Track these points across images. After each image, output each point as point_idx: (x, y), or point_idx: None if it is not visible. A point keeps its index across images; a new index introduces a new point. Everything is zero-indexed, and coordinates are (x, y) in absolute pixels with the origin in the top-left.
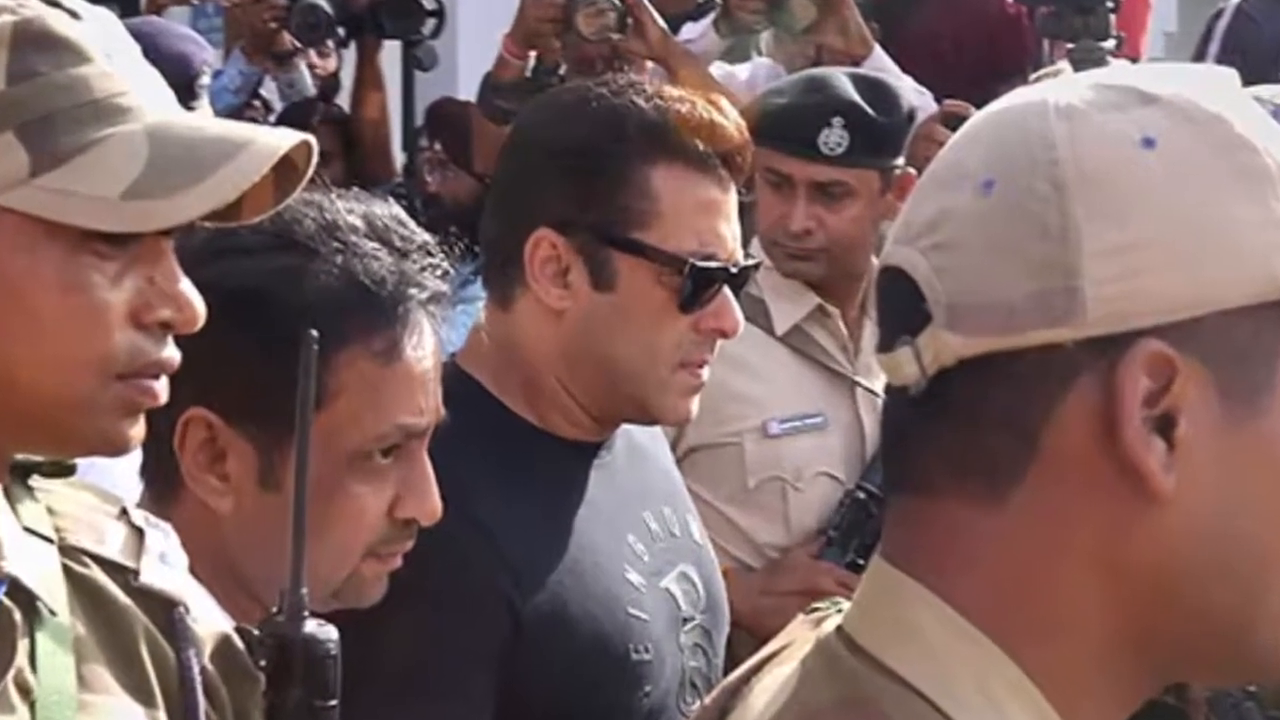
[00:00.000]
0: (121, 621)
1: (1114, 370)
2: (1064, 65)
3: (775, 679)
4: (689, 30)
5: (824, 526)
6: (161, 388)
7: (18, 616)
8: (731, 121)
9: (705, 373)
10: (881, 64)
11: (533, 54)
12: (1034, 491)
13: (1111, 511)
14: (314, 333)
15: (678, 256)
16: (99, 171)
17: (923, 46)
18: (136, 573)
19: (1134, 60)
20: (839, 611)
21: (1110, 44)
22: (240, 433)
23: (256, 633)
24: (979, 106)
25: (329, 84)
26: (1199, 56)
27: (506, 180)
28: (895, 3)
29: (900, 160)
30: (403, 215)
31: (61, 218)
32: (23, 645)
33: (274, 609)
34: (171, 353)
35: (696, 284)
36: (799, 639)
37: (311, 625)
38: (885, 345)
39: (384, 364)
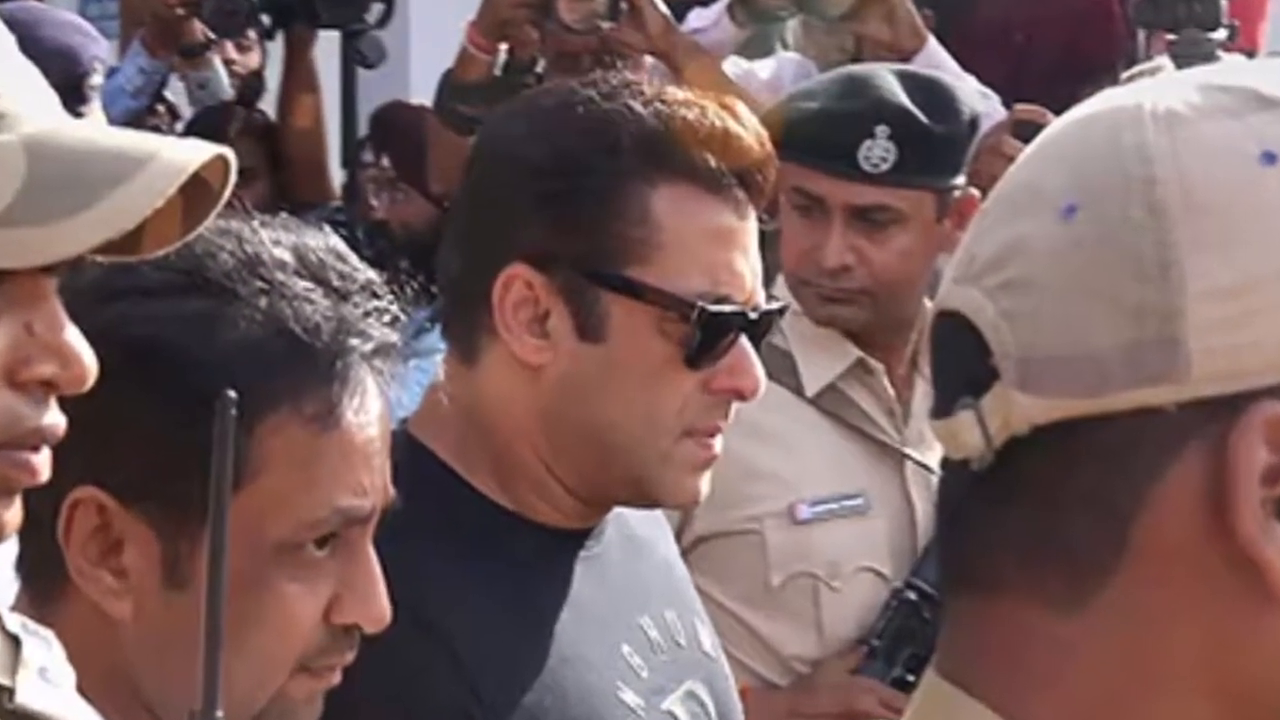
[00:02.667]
0: None
1: (1225, 440)
2: (1164, 61)
3: None
4: (697, 18)
5: (865, 634)
6: (42, 461)
7: None
8: (750, 131)
9: (718, 443)
10: (937, 60)
11: (503, 47)
12: (1124, 590)
13: (1220, 615)
14: (232, 393)
15: (683, 299)
16: None
17: (988, 38)
18: (12, 692)
19: (1250, 54)
20: None
21: (1221, 35)
22: (140, 517)
23: None
24: (1058, 113)
25: (251, 84)
26: None
27: (471, 204)
28: None
29: (960, 179)
30: (342, 248)
31: None
32: None
33: None
34: (55, 418)
35: (707, 333)
36: None
37: None
38: (942, 409)
39: (319, 432)
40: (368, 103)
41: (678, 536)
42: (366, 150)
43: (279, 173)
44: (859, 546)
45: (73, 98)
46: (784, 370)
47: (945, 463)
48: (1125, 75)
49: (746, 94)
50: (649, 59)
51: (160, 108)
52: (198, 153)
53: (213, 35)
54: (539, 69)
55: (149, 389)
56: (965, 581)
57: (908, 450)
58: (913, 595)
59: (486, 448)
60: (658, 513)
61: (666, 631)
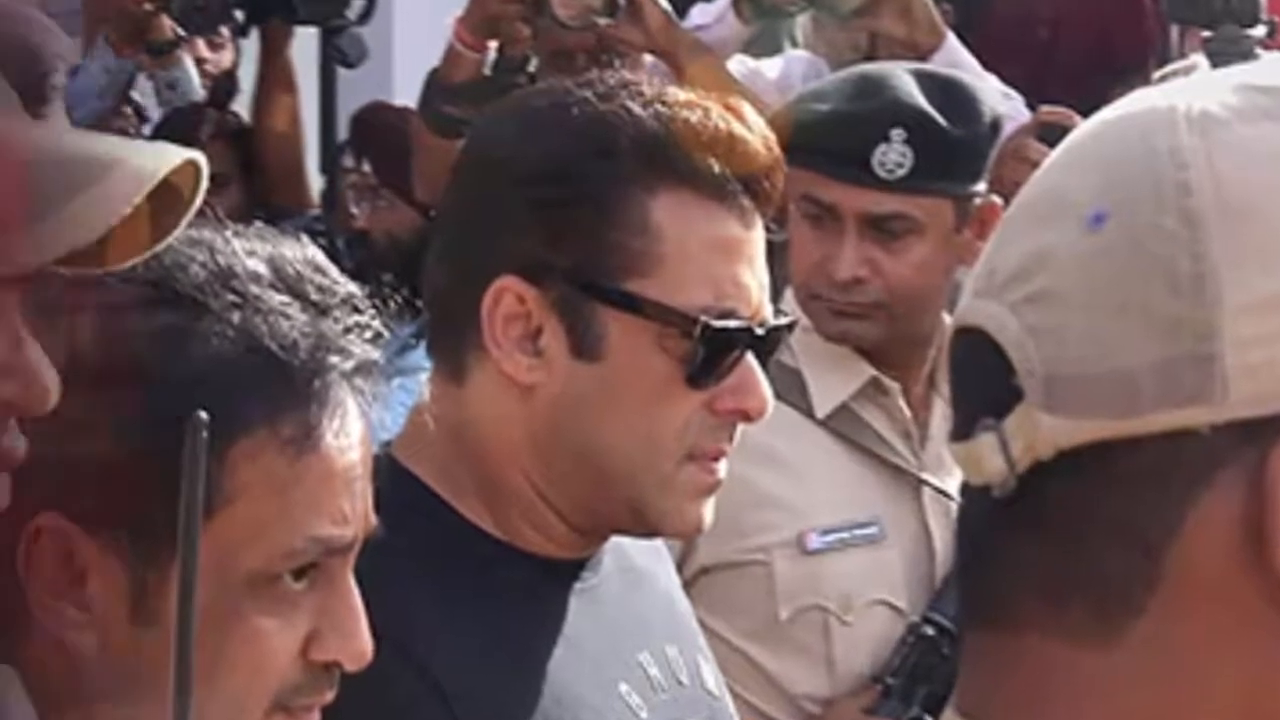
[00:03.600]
0: None
1: (1265, 465)
2: (1198, 59)
3: None
4: (700, 14)
5: (880, 671)
6: (1, 487)
7: None
8: (756, 135)
9: (722, 468)
10: (956, 58)
11: (493, 45)
12: (1155, 626)
13: (1257, 653)
14: (203, 414)
15: (685, 313)
16: None
17: (1011, 35)
18: None
19: None
20: None
21: (1260, 31)
22: (106, 547)
23: None
24: (1086, 114)
25: (223, 85)
26: None
27: (458, 212)
28: None
29: (981, 186)
30: (321, 259)
31: None
32: None
33: None
34: (15, 441)
35: (710, 350)
36: None
37: None
38: (962, 431)
39: (296, 456)
40: (348, 104)
41: (680, 567)
42: (347, 155)
43: (253, 179)
44: (873, 578)
45: (33, 99)
46: (793, 390)
47: (965, 489)
48: (1157, 74)
49: (753, 95)
50: (648, 57)
51: (127, 109)
52: (167, 158)
53: (182, 32)
54: (531, 68)
55: (115, 410)
56: (985, 615)
57: (925, 475)
58: (930, 630)
59: (475, 472)
60: (658, 543)
61: (668, 669)
